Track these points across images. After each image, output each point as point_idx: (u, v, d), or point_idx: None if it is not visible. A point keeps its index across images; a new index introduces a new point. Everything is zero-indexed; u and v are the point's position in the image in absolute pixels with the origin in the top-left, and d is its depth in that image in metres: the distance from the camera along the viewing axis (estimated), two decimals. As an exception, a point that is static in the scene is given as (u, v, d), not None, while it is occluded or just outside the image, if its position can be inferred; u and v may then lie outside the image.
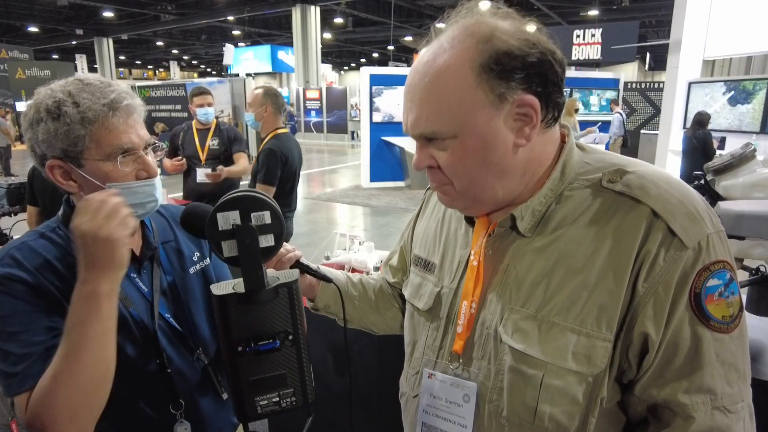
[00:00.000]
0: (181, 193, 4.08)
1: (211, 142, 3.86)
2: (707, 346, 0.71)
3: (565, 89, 0.80)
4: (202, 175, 3.79)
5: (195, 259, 1.19)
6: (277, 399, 0.86)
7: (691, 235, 0.71)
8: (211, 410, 1.15)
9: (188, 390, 1.10)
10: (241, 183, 4.12)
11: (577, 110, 7.64)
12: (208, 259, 1.23)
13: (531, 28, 0.76)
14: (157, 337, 1.05)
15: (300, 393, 0.86)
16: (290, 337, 0.85)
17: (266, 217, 0.84)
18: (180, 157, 3.81)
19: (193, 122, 3.91)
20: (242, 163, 3.91)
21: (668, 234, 0.71)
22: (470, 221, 0.91)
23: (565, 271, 0.76)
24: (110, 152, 0.98)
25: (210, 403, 1.15)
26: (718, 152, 6.17)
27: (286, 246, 0.99)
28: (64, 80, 1.00)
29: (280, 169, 3.19)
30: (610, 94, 11.92)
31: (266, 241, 0.84)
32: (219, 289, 0.85)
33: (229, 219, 0.82)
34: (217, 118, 4.02)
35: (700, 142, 6.23)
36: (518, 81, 0.73)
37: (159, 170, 1.08)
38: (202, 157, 3.83)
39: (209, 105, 3.85)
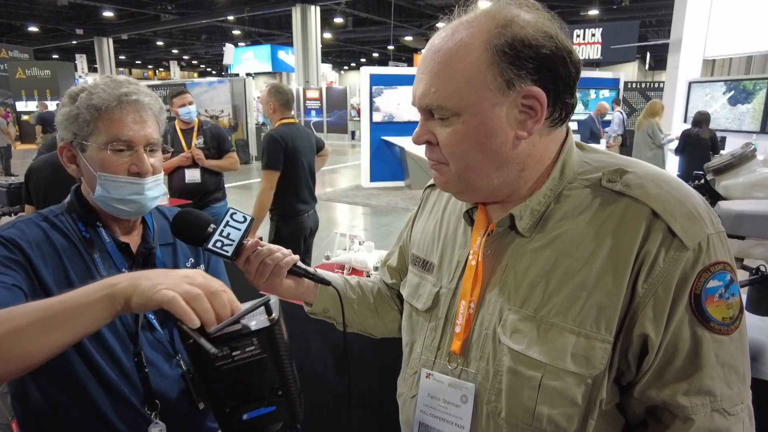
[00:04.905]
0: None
1: (197, 141, 3.86)
2: (707, 347, 0.70)
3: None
4: (190, 175, 3.79)
5: (188, 265, 1.19)
6: None
7: (691, 235, 0.70)
8: (187, 416, 1.13)
9: (164, 393, 1.08)
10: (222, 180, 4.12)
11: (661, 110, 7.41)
12: (202, 266, 1.22)
13: (554, 25, 0.76)
14: (137, 337, 1.05)
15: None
16: (280, 393, 0.75)
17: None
18: (193, 152, 3.80)
19: (176, 122, 3.90)
20: (229, 160, 3.96)
21: (668, 234, 0.71)
22: (469, 220, 0.91)
23: (564, 271, 0.76)
24: (107, 140, 1.02)
25: (186, 410, 1.13)
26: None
27: (283, 250, 0.97)
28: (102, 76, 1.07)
29: (282, 153, 3.25)
30: (609, 94, 11.93)
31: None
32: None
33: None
34: (199, 116, 4.01)
35: (711, 141, 6.24)
36: (529, 71, 0.73)
37: (161, 173, 1.10)
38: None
39: (190, 103, 3.85)
